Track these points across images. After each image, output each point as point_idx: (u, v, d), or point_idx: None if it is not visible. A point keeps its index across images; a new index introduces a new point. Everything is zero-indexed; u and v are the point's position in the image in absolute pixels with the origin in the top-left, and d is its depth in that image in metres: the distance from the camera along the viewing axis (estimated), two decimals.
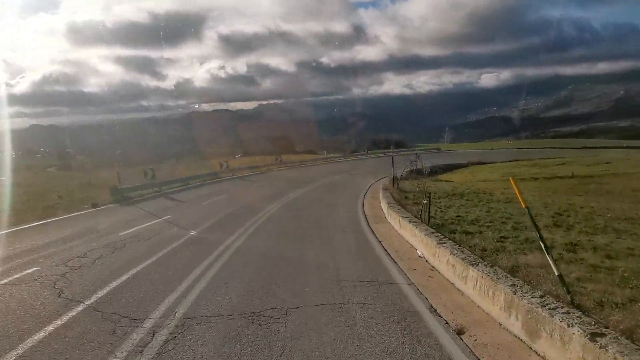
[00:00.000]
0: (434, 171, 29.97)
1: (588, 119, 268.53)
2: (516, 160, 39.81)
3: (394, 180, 19.30)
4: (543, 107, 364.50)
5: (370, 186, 21.38)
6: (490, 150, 57.53)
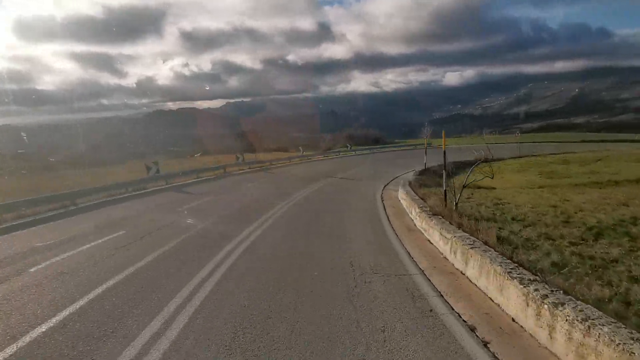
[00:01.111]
0: (451, 171, 22.51)
1: (547, 116, 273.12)
2: (532, 155, 32.92)
3: (442, 196, 11.34)
4: (505, 105, 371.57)
5: (389, 210, 13.02)
6: (486, 145, 51.17)
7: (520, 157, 32.63)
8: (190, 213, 12.81)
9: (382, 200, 14.12)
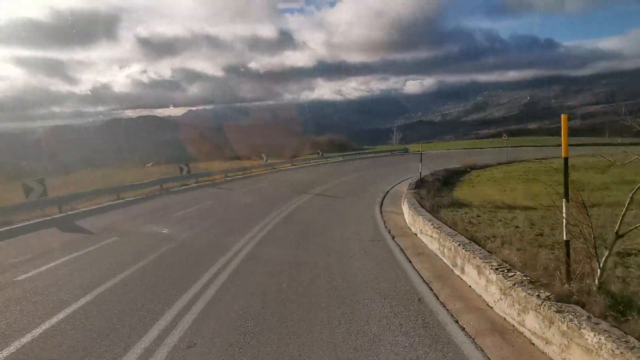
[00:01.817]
0: (445, 182, 17.93)
1: (502, 122, 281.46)
2: (522, 160, 28.98)
3: None
4: (463, 112, 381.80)
5: (420, 265, 7.56)
6: (464, 150, 47.52)
7: (511, 162, 28.56)
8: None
9: (394, 239, 8.83)
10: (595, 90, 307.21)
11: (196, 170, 25.28)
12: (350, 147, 63.98)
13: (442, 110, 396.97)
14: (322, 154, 40.94)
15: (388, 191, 16.67)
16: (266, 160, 32.11)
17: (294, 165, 33.72)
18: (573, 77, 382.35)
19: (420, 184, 16.12)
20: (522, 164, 26.64)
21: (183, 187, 21.49)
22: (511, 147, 47.78)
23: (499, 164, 27.90)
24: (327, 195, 16.31)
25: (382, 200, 14.27)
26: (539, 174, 21.86)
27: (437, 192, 14.22)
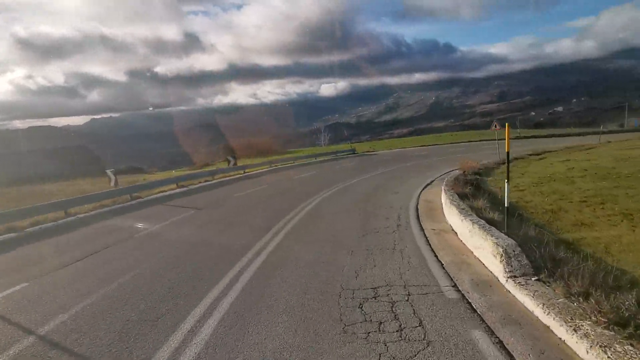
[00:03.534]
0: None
1: (412, 122, 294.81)
2: (518, 159, 23.30)
3: None
4: (376, 113, 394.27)
5: None
6: (418, 147, 41.58)
7: (502, 163, 22.51)
8: None
9: None
10: (490, 91, 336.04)
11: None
12: (269, 151, 55.35)
13: (357, 112, 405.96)
14: (234, 162, 29.83)
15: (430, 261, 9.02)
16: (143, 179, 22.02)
17: (182, 187, 21.13)
18: (470, 79, 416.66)
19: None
20: (533, 165, 20.56)
21: None
22: (451, 143, 43.34)
23: (504, 163, 21.50)
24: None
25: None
26: (591, 179, 15.58)
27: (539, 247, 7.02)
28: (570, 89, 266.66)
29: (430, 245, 7.47)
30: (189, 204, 15.48)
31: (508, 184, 7.02)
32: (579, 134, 42.17)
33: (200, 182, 22.71)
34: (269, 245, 8.08)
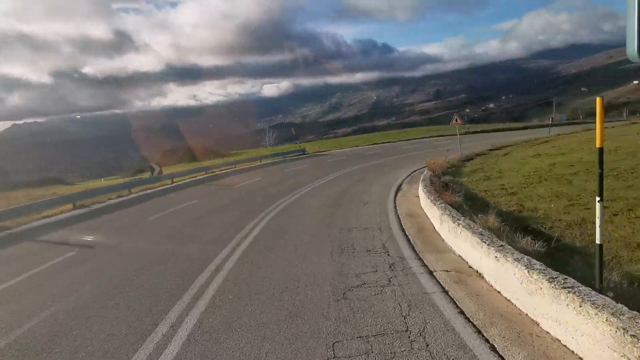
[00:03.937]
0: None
1: (355, 121, 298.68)
2: (480, 155, 21.33)
3: None
4: (320, 113, 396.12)
5: None
6: (373, 145, 38.68)
7: (471, 158, 20.25)
8: None
9: None
10: (426, 90, 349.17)
11: None
12: (204, 154, 50.42)
13: (301, 112, 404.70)
14: (158, 172, 23.59)
15: None
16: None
17: (120, 195, 18.89)
18: (408, 78, 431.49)
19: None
20: (502, 161, 18.39)
21: None
22: (405, 140, 41.51)
23: (469, 159, 19.49)
24: None
25: None
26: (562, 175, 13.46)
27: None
28: (499, 87, 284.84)
29: (464, 314, 4.24)
30: (77, 237, 11.01)
31: (601, 204, 3.93)
32: (525, 128, 41.90)
33: (110, 199, 17.95)
34: (171, 343, 4.32)
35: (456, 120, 19.74)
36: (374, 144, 40.45)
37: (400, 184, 14.14)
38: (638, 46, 1.51)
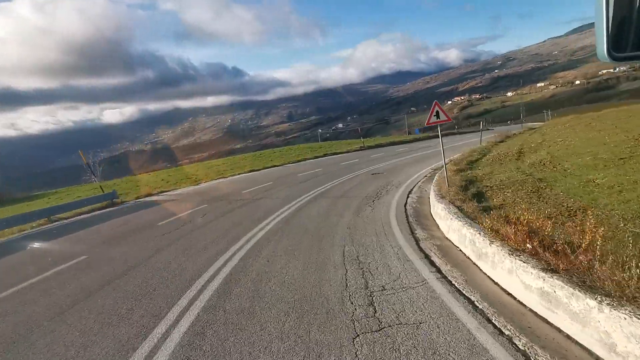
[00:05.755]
0: None
1: (211, 145, 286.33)
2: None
3: None
4: (173, 138, 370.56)
5: None
6: (265, 169, 29.35)
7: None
8: None
9: None
10: (280, 112, 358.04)
11: None
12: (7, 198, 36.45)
13: (151, 138, 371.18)
14: None
15: None
16: None
17: None
18: (261, 101, 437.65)
19: None
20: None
21: None
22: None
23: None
24: None
25: None
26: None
27: None
28: (344, 108, 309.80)
29: None
30: None
31: None
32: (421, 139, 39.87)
33: None
34: None
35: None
36: (264, 167, 24.75)
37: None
38: (607, 47, 1.30)
